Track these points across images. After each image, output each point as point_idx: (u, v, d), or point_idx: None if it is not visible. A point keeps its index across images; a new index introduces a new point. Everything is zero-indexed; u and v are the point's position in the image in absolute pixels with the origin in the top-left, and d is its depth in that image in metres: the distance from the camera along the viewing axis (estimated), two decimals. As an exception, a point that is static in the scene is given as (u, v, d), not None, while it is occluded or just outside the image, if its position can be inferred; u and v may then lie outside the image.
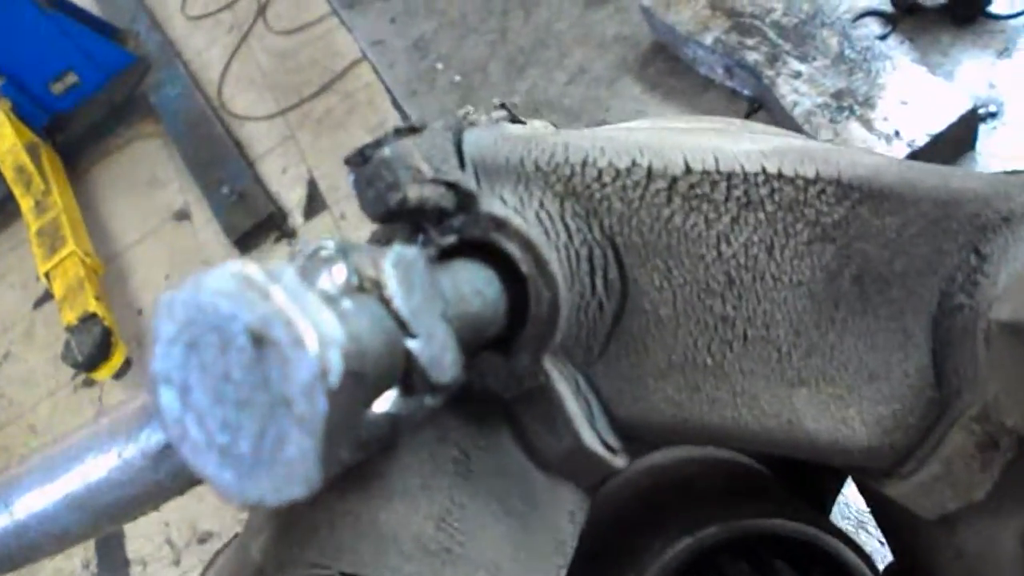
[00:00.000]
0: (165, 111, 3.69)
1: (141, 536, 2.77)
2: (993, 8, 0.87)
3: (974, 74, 0.83)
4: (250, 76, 3.69)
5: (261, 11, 3.82)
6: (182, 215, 3.46)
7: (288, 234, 3.15)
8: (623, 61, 1.03)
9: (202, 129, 3.54)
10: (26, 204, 3.42)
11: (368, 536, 0.36)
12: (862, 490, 0.43)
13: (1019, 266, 0.32)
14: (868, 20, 0.93)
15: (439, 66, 1.17)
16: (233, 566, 0.41)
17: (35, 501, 0.36)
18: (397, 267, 0.30)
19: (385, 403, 0.30)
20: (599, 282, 0.37)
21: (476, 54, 1.16)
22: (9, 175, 3.49)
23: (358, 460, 0.32)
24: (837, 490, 0.51)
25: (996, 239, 0.33)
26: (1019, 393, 0.31)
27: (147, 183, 3.63)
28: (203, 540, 2.67)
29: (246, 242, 3.16)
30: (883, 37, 0.90)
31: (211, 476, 0.26)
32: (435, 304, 0.30)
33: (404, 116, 1.23)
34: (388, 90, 1.22)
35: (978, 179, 0.36)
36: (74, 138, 3.78)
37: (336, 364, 0.25)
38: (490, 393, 0.35)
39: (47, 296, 3.41)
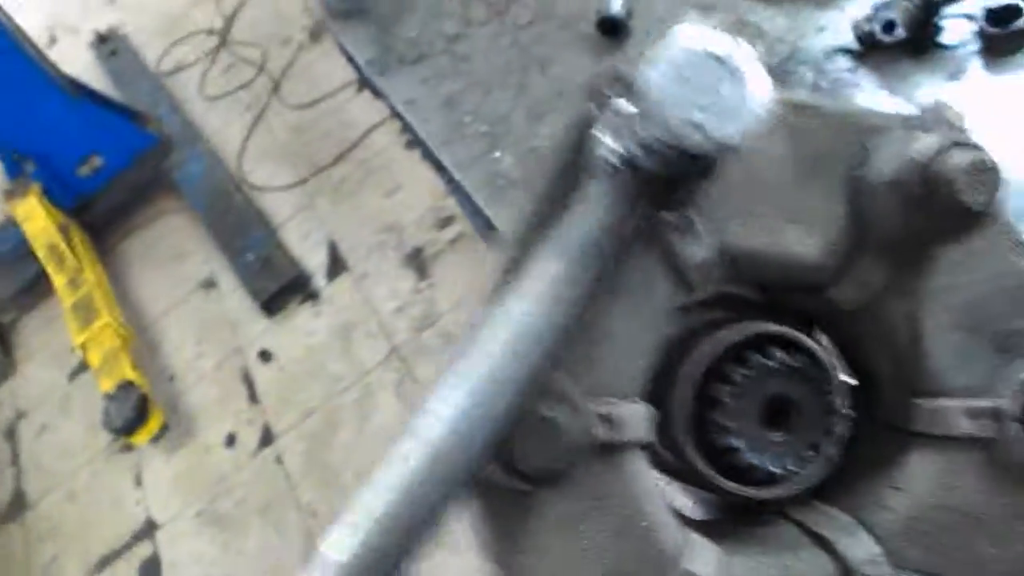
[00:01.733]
0: (188, 187, 3.87)
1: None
2: (943, 39, 1.02)
3: (930, 94, 0.98)
4: (268, 149, 3.88)
5: (276, 88, 4.03)
6: (209, 284, 3.61)
7: (312, 295, 3.30)
8: (630, 104, 1.19)
9: (224, 202, 3.72)
10: (59, 281, 3.58)
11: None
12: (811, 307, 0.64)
13: (891, 152, 0.53)
14: (838, 57, 1.08)
15: (467, 119, 1.33)
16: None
17: None
18: None
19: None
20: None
21: (500, 107, 1.31)
22: (42, 254, 3.65)
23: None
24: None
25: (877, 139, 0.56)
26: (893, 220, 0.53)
27: (173, 256, 3.79)
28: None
29: (272, 305, 3.31)
30: (853, 71, 1.05)
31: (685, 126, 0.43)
32: None
33: (438, 167, 1.37)
34: (421, 142, 1.37)
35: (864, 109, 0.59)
36: (101, 216, 3.96)
37: None
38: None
39: (81, 368, 3.55)
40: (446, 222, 3.20)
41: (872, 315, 0.57)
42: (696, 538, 0.56)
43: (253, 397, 3.18)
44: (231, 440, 3.12)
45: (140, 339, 3.48)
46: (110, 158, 3.92)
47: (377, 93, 1.78)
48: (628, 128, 0.45)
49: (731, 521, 0.60)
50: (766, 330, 0.60)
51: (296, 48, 4.11)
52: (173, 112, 4.18)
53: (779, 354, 0.58)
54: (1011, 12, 0.98)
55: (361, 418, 2.92)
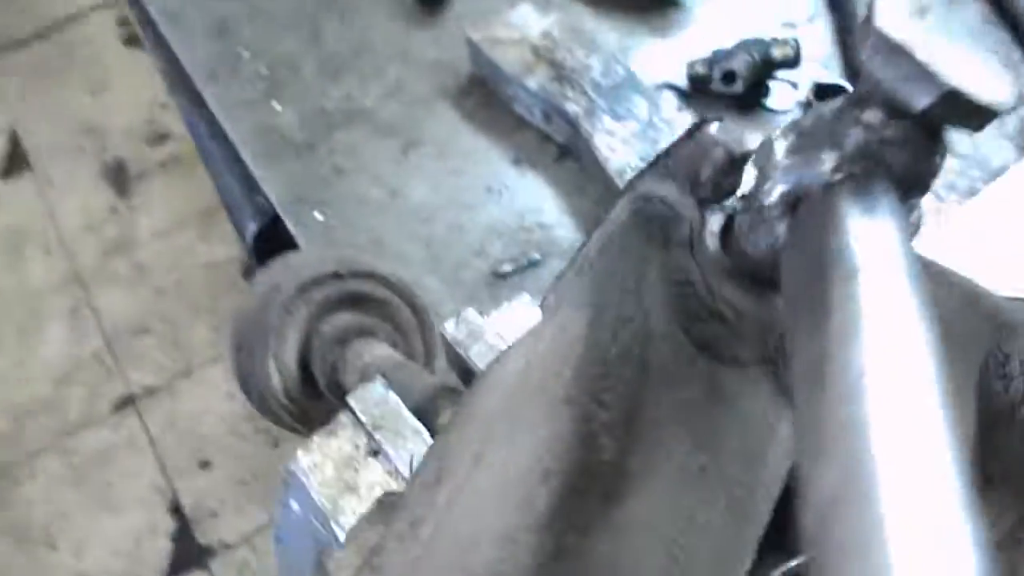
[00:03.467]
0: None
1: None
2: (770, 103, 1.01)
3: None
4: (-56, 4, 3.22)
5: (-34, -67, 3.35)
6: None
7: (-21, 191, 2.79)
8: (441, 86, 1.06)
9: None
10: None
11: None
12: None
13: None
14: (667, 93, 1.04)
15: (245, 54, 1.13)
16: None
17: None
18: None
19: None
20: None
21: (286, 49, 1.13)
22: None
23: None
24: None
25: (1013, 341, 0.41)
26: None
27: None
28: None
29: (-77, 194, 2.75)
30: (680, 110, 1.01)
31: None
32: None
33: (190, 92, 1.16)
34: (182, 69, 1.15)
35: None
36: None
37: None
38: None
39: None
40: (160, 139, 2.84)
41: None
42: None
43: None
44: None
45: None
46: None
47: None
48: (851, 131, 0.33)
49: None
50: None
51: None
52: None
53: None
54: (836, 91, 0.99)
55: (22, 346, 2.52)
